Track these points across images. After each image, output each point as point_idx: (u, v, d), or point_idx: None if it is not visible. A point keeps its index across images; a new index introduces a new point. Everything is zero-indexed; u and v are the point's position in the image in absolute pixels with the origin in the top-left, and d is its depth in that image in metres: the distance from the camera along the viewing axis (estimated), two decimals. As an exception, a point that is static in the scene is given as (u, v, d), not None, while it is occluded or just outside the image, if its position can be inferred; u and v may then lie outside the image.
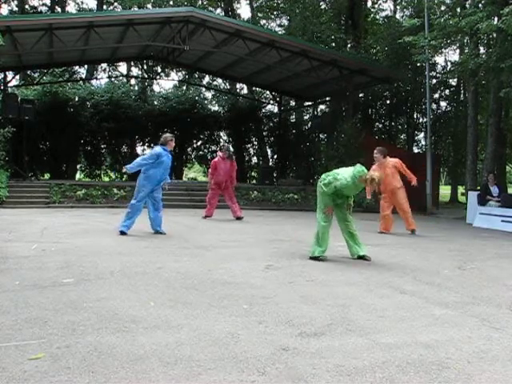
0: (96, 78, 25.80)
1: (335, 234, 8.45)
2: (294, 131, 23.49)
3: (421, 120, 23.81)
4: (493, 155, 15.94)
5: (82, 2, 28.53)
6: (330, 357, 2.82)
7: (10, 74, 17.61)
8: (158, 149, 7.89)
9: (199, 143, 22.88)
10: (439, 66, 23.68)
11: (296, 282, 4.72)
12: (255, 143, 23.90)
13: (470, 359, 2.87)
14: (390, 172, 9.11)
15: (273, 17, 29.27)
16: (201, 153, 23.12)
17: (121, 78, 27.87)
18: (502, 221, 10.97)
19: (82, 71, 25.53)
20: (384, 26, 23.50)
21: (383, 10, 27.83)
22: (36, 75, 22.62)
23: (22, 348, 2.79)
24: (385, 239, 8.50)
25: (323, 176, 6.17)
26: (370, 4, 26.11)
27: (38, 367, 2.55)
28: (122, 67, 29.11)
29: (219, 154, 11.25)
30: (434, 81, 22.10)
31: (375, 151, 9.21)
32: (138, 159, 8.02)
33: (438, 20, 13.65)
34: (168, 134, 8.31)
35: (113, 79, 27.15)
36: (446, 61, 25.03)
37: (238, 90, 27.79)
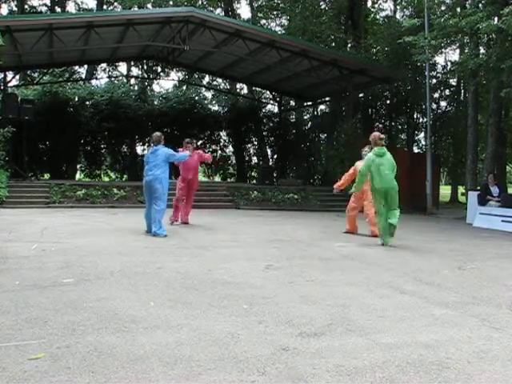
0: (96, 78, 25.84)
1: (336, 233, 8.45)
2: (294, 131, 23.47)
3: (421, 120, 23.77)
4: (493, 155, 15.93)
5: (82, 2, 28.60)
6: (330, 357, 2.82)
7: (10, 74, 17.60)
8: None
9: (199, 143, 22.85)
10: (439, 66, 23.63)
11: (296, 282, 4.72)
12: (255, 143, 23.89)
13: (470, 359, 2.87)
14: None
15: (273, 17, 29.24)
16: (200, 153, 23.08)
17: (121, 77, 27.88)
18: (502, 221, 10.96)
19: (82, 71, 25.53)
20: (384, 26, 23.44)
21: (383, 9, 27.82)
22: (36, 75, 22.55)
23: (22, 348, 2.79)
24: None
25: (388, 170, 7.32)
26: (369, 4, 26.04)
27: (38, 367, 2.55)
28: (122, 67, 29.17)
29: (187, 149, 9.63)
30: (434, 81, 22.05)
31: (367, 148, 8.23)
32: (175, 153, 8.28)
33: (438, 20, 13.63)
34: (158, 133, 8.21)
35: (113, 79, 27.16)
36: (445, 61, 25.01)
37: (238, 90, 27.79)
